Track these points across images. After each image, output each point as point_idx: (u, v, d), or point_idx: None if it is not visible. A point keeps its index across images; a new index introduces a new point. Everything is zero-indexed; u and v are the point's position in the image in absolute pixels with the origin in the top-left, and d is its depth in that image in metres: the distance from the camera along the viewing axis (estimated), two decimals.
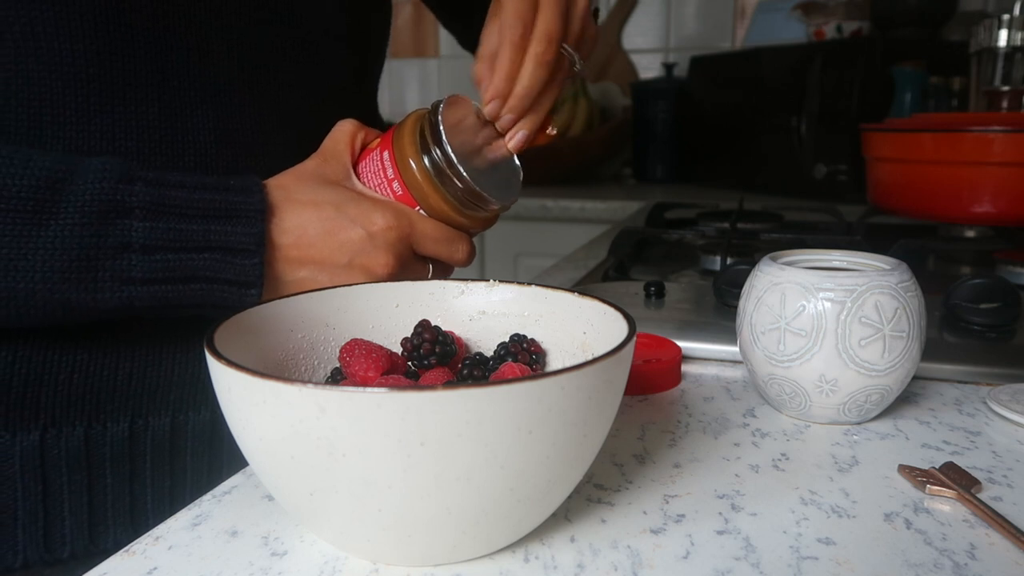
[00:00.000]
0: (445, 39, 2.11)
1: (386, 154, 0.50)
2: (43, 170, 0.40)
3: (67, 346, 0.48)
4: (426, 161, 0.49)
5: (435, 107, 0.49)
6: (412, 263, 0.50)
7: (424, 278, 0.51)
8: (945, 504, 0.36)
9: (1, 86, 0.44)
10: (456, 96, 0.51)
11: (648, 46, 1.99)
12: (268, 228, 0.45)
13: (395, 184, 0.49)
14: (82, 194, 0.41)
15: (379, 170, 0.50)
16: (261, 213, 0.45)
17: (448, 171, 0.48)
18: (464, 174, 0.48)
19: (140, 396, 0.51)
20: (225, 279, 0.44)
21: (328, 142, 0.51)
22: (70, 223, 0.40)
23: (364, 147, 0.52)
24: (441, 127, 0.48)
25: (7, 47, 0.43)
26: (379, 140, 0.51)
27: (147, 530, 0.35)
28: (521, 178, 0.53)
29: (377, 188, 0.50)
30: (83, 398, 0.49)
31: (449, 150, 0.48)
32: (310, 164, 0.50)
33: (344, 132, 0.51)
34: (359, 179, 0.51)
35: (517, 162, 0.53)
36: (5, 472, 0.48)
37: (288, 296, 0.39)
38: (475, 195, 0.49)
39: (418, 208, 0.50)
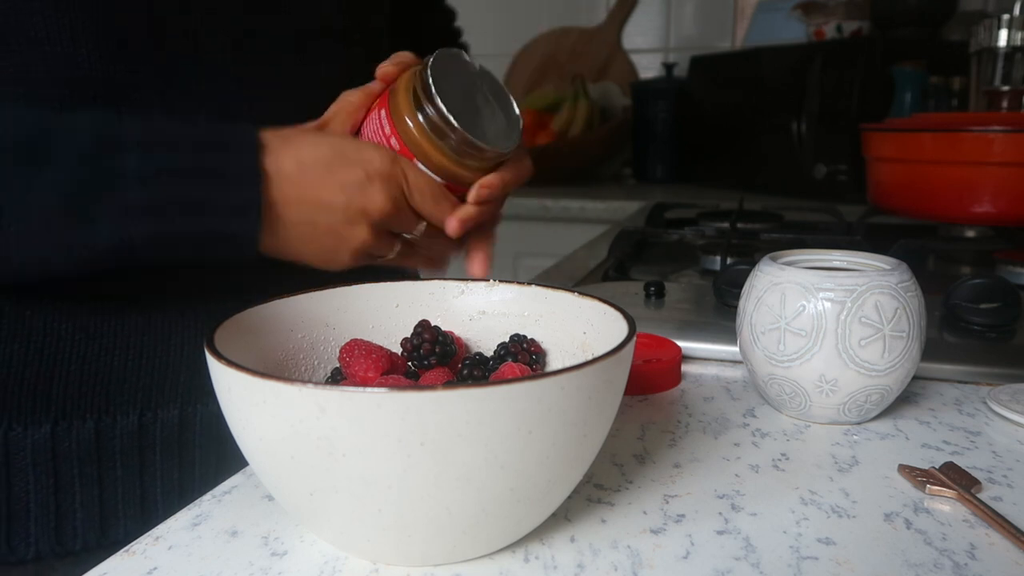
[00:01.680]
0: None
1: (383, 112, 0.51)
2: (34, 118, 0.40)
3: (78, 338, 0.48)
4: (420, 117, 0.49)
5: (426, 63, 0.50)
6: (406, 212, 0.49)
7: (416, 234, 0.50)
8: (945, 504, 0.36)
9: (10, 86, 0.44)
10: (447, 50, 0.52)
11: (648, 46, 1.99)
12: (264, 160, 0.45)
13: (392, 140, 0.50)
14: (75, 134, 0.41)
15: (378, 128, 0.51)
16: (256, 145, 0.45)
17: (441, 124, 0.49)
18: (456, 125, 0.49)
19: (149, 388, 0.51)
20: (224, 206, 0.43)
21: (329, 112, 0.52)
22: (66, 162, 0.40)
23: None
24: (431, 83, 0.49)
25: (12, 53, 0.43)
26: (378, 100, 0.52)
27: (158, 522, 0.35)
28: (521, 126, 0.54)
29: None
30: (93, 390, 0.49)
31: (440, 104, 0.48)
32: (310, 124, 0.50)
33: (348, 102, 0.52)
34: (360, 137, 0.52)
35: (516, 110, 0.54)
36: (17, 465, 0.48)
37: (288, 296, 0.39)
38: (470, 144, 0.50)
39: (416, 161, 0.50)
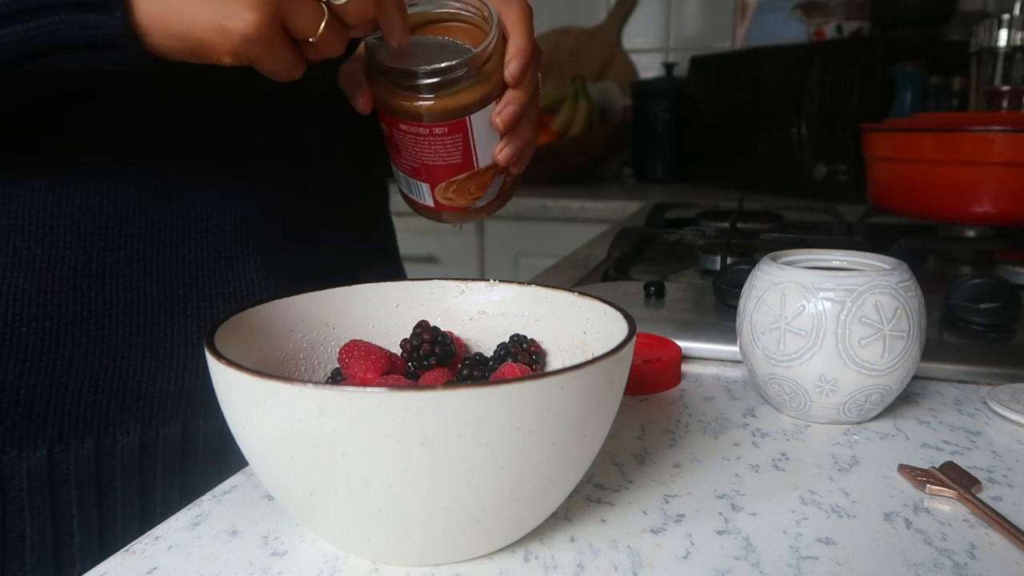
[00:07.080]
0: None
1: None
2: None
3: (77, 355, 0.47)
4: (382, 81, 0.49)
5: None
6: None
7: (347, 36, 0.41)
8: (945, 504, 0.36)
9: None
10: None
11: (648, 46, 1.99)
12: None
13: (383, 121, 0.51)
14: None
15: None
16: None
17: (396, 77, 0.48)
18: (407, 68, 0.47)
19: (151, 405, 0.50)
20: (77, 2, 0.37)
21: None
22: None
23: None
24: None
25: None
26: None
27: None
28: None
29: None
30: (93, 409, 0.48)
31: (383, 61, 0.47)
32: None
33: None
34: None
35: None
36: (11, 491, 0.46)
37: (288, 296, 0.39)
38: (433, 72, 0.47)
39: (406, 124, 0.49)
